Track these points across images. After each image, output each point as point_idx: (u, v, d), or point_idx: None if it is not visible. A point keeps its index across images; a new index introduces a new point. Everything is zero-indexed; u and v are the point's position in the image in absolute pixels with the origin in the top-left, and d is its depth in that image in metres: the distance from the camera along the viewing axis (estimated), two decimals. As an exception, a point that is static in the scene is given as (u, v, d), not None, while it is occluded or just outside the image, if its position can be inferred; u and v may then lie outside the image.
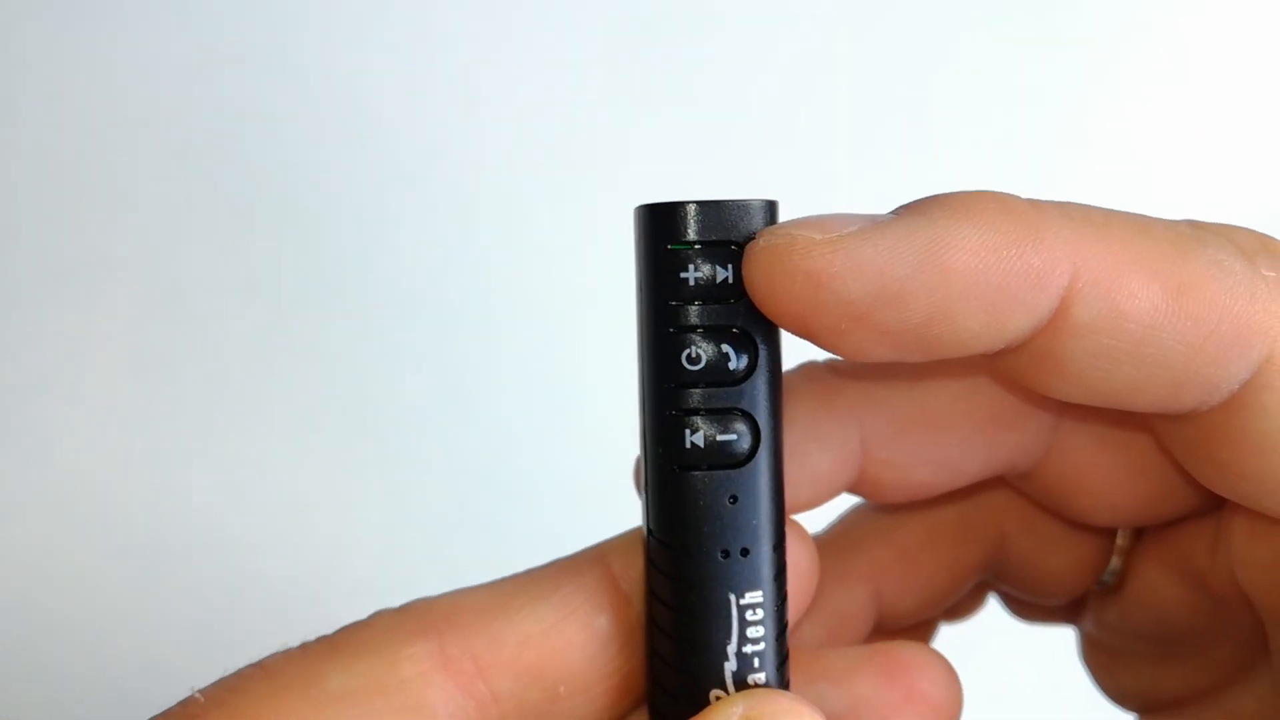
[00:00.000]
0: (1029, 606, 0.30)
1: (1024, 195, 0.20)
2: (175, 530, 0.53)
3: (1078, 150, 0.53)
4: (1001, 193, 0.20)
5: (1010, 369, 0.21)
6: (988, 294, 0.19)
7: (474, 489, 0.54)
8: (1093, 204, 0.20)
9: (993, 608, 0.31)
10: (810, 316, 0.19)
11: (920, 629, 0.30)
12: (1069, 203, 0.20)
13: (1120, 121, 0.53)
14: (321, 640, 0.21)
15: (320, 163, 0.53)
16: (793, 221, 0.20)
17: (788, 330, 0.20)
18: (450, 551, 0.52)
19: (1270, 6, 0.52)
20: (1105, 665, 0.29)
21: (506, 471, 0.53)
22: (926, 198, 0.20)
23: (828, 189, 0.48)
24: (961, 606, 0.30)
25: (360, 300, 0.54)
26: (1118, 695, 0.29)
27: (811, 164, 0.52)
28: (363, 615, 0.22)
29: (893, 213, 0.20)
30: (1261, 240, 0.20)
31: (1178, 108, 0.53)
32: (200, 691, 0.20)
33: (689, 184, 0.48)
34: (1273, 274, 0.20)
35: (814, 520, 0.28)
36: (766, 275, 0.19)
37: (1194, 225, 0.20)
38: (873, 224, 0.19)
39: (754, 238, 0.20)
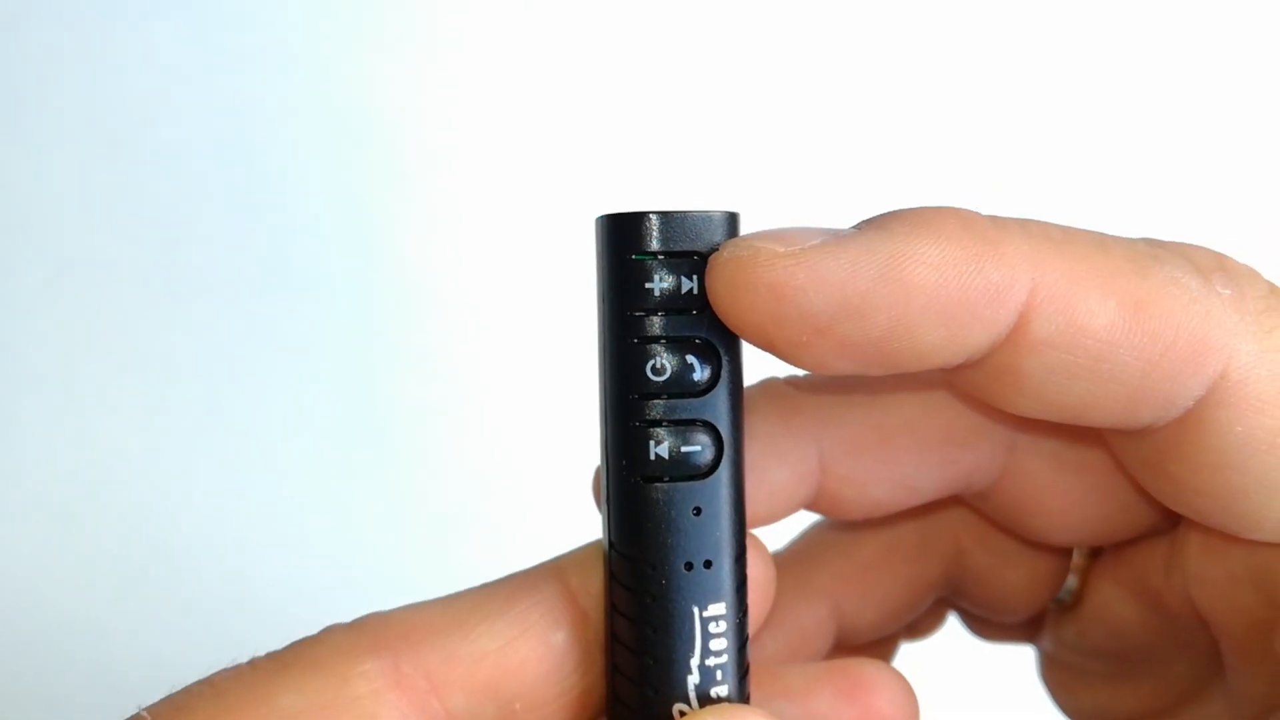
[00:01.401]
0: (988, 625, 0.30)
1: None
2: (175, 530, 0.53)
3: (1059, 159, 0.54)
4: (962, 208, 0.20)
5: (969, 383, 0.21)
6: (947, 308, 0.19)
7: (473, 489, 0.54)
8: (1053, 220, 0.20)
9: (953, 626, 0.31)
10: (772, 328, 0.19)
11: (881, 646, 0.30)
12: (1029, 219, 0.20)
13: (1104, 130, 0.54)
14: (272, 657, 0.20)
15: (320, 163, 0.53)
16: (756, 234, 0.20)
17: (750, 342, 0.20)
18: (450, 552, 0.52)
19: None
20: (1063, 684, 0.29)
21: (506, 472, 0.54)
22: (888, 212, 0.20)
23: (801, 198, 0.49)
24: (922, 625, 0.30)
25: (360, 300, 0.54)
26: (1076, 714, 0.29)
27: (788, 171, 0.53)
28: (360, 616, 0.22)
29: (855, 227, 0.20)
30: (1217, 259, 0.21)
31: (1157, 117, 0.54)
32: (147, 710, 0.20)
33: (676, 191, 0.49)
34: (1228, 292, 0.20)
35: (777, 538, 0.28)
36: (730, 287, 0.19)
37: (1151, 243, 0.21)
38: (835, 238, 0.19)
39: (717, 249, 0.20)
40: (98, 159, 0.52)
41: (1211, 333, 0.19)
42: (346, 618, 0.22)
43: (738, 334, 0.20)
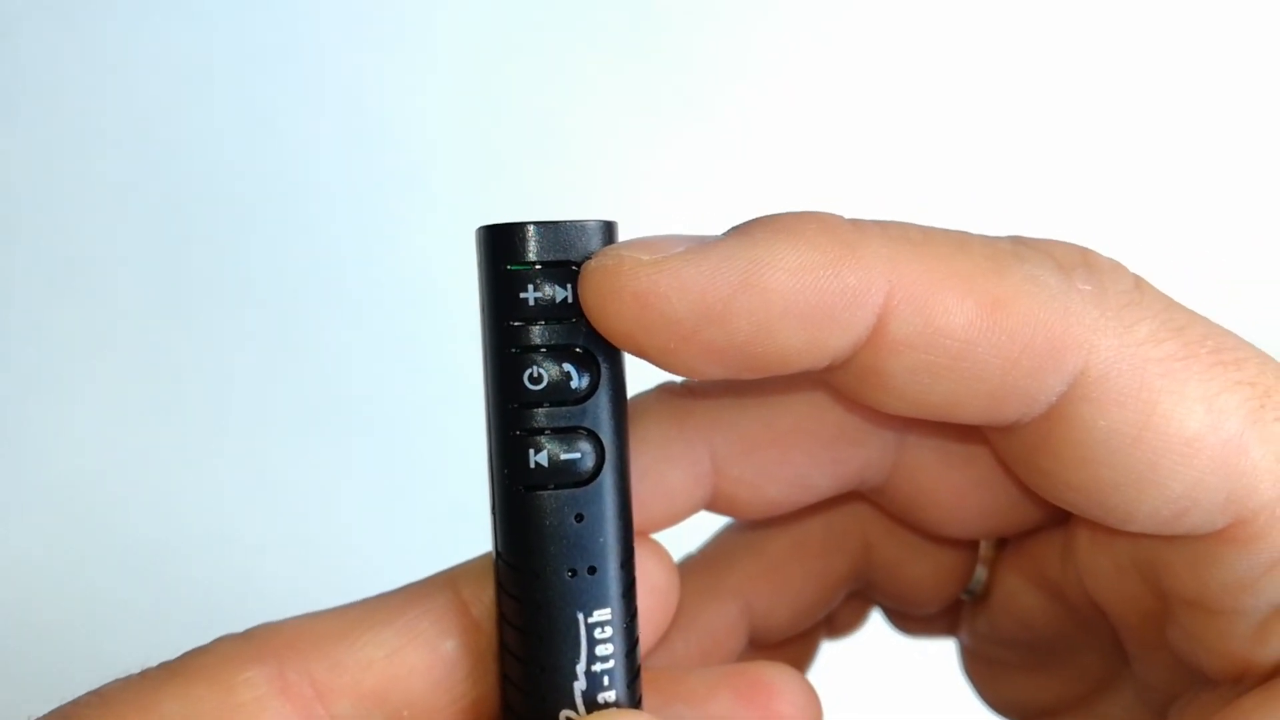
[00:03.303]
0: (908, 619, 0.30)
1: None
2: (175, 530, 0.53)
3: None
4: (824, 212, 0.20)
5: (840, 384, 0.21)
6: (806, 312, 0.19)
7: (474, 489, 0.54)
8: (914, 222, 0.21)
9: (879, 628, 0.31)
10: (640, 335, 0.20)
11: (800, 645, 0.30)
12: (891, 221, 0.20)
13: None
14: (162, 666, 0.21)
15: (319, 163, 0.53)
16: (624, 243, 0.20)
17: (622, 348, 0.21)
18: (450, 552, 0.52)
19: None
20: (983, 676, 0.30)
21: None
22: (754, 218, 0.20)
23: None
24: (842, 623, 0.31)
25: (359, 301, 0.54)
26: (997, 705, 0.30)
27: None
28: (252, 626, 0.22)
29: (723, 234, 0.20)
30: (1082, 254, 0.21)
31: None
32: (35, 721, 0.20)
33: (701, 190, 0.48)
34: (1089, 287, 0.20)
35: (692, 542, 0.28)
36: (598, 295, 0.20)
37: (1014, 241, 0.21)
38: (699, 245, 0.20)
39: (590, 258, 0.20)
40: (101, 159, 0.53)
41: (1070, 329, 0.20)
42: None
43: (610, 341, 0.21)
